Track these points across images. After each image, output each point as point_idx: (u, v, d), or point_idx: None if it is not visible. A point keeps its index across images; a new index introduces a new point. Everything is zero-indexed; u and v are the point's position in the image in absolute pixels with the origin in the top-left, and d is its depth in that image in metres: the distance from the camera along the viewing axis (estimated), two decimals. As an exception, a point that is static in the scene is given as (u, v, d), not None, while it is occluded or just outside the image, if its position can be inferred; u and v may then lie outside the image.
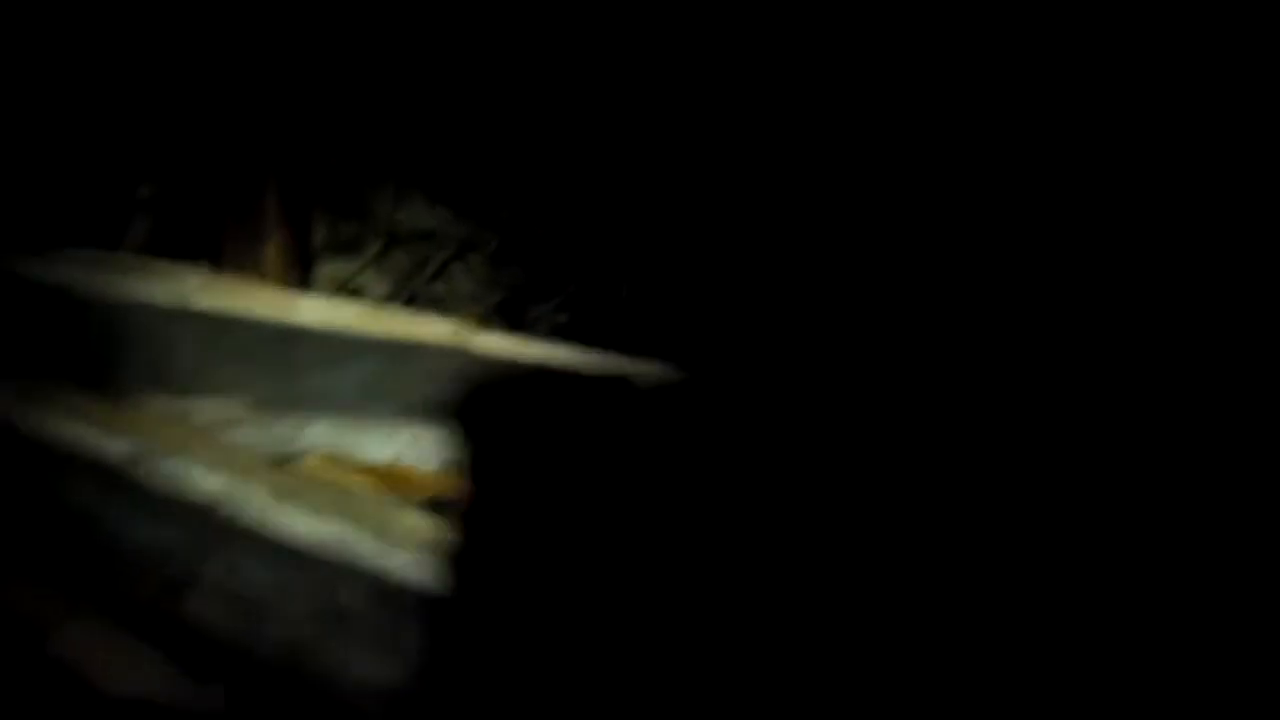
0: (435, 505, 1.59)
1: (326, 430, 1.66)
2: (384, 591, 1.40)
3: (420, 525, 1.48)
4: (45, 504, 1.58)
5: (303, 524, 1.43)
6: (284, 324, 1.66)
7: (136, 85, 2.12)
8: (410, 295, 2.20)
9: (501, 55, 2.26)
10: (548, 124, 2.29)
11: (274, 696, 1.47)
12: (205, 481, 1.46)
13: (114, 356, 1.68)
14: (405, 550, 1.41)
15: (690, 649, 1.36)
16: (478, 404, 1.56)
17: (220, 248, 2.03)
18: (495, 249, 2.29)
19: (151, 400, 1.63)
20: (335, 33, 2.19)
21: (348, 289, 2.17)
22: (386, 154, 2.28)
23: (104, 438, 1.52)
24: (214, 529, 1.45)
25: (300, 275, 2.11)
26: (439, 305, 2.18)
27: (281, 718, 1.45)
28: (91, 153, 2.09)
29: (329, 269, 2.19)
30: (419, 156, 2.29)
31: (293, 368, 1.66)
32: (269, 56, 2.09)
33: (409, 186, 2.30)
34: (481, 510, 1.48)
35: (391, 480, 1.67)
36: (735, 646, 1.35)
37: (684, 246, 2.19)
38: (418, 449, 1.69)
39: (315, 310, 1.74)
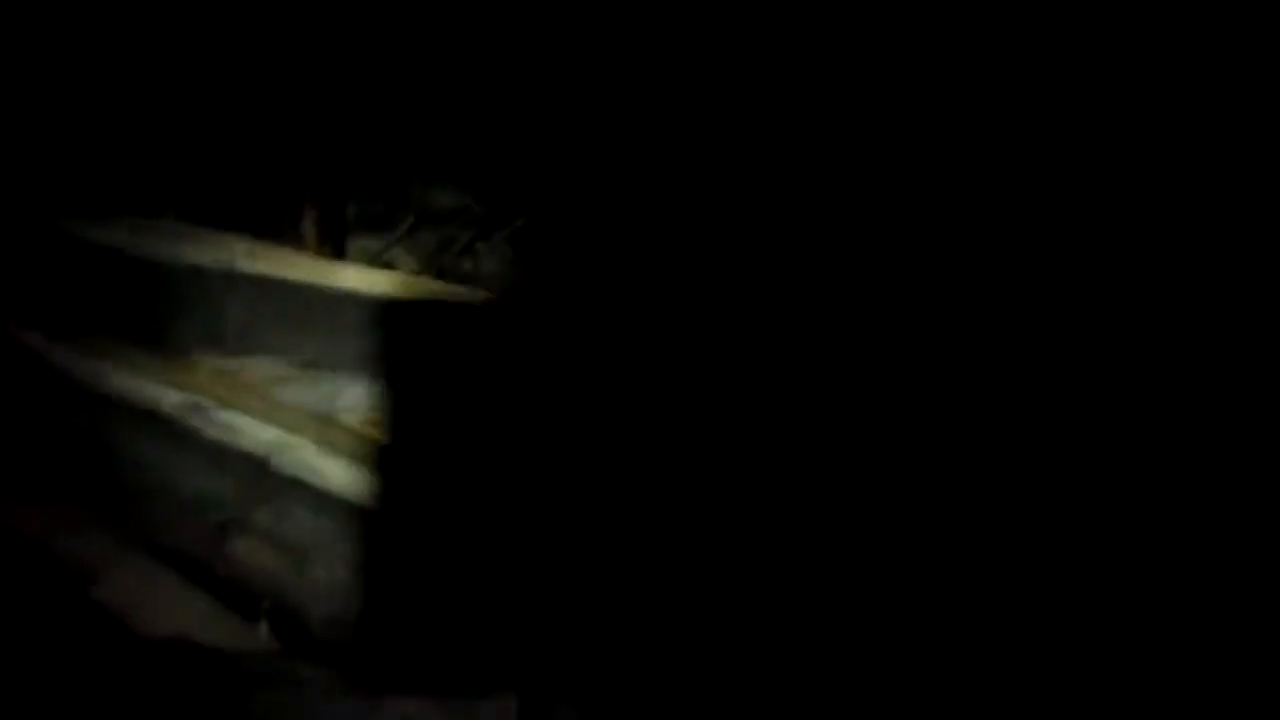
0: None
1: (368, 389, 1.74)
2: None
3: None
4: (100, 452, 1.66)
5: (346, 476, 1.52)
6: (329, 289, 1.75)
7: (183, 68, 2.21)
8: (439, 271, 2.28)
9: (518, 59, 2.35)
10: (565, 114, 2.38)
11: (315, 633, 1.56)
12: (258, 434, 1.55)
13: (166, 315, 1.76)
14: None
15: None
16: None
17: (260, 219, 2.13)
18: (518, 229, 2.37)
19: (204, 358, 1.71)
20: (365, 28, 2.27)
21: (379, 263, 2.25)
22: (414, 139, 2.37)
23: (160, 389, 1.61)
24: (265, 478, 1.53)
25: (334, 248, 2.19)
26: (467, 282, 2.26)
27: (325, 654, 1.54)
28: (139, 126, 2.18)
29: (361, 243, 2.27)
30: (444, 142, 2.38)
31: (336, 330, 1.74)
32: (306, 46, 2.18)
33: (435, 169, 2.38)
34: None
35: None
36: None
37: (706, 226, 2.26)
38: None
39: (355, 278, 1.83)
